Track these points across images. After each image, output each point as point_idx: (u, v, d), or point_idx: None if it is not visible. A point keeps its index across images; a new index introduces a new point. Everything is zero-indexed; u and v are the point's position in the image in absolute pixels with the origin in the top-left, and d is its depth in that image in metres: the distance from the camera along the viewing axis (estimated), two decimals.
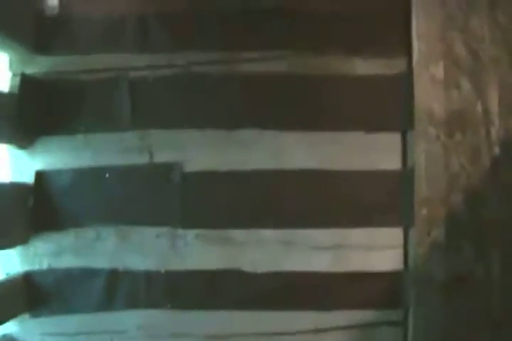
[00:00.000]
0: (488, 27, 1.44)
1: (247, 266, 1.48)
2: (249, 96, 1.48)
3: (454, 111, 1.42)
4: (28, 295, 1.52)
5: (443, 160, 1.42)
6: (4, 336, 1.52)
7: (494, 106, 1.41)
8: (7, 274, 1.51)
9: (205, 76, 1.48)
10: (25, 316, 1.52)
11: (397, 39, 1.46)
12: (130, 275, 1.50)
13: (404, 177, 1.45)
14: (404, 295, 1.46)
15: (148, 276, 1.50)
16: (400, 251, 1.47)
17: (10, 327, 1.51)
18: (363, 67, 1.47)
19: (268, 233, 1.48)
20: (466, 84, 1.43)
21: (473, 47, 1.43)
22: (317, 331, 1.48)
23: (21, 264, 1.53)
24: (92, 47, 1.51)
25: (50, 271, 1.52)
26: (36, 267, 1.53)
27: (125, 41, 1.50)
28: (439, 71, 1.43)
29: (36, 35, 1.52)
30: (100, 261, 1.51)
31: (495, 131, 1.41)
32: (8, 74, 1.53)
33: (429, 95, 1.43)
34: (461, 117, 1.42)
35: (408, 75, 1.44)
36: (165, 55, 1.49)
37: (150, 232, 1.50)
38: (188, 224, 1.48)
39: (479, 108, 1.42)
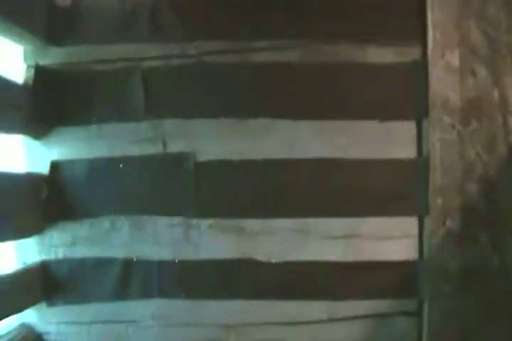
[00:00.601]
0: (505, 13, 1.41)
1: (261, 256, 1.49)
2: (262, 85, 1.47)
3: (470, 99, 1.40)
4: (45, 285, 1.54)
5: (458, 148, 1.40)
6: (22, 324, 1.54)
7: (511, 94, 1.40)
8: (24, 264, 1.54)
9: (217, 66, 1.48)
10: (43, 305, 1.55)
11: (411, 27, 1.44)
12: (144, 264, 1.51)
13: (419, 166, 1.43)
14: (419, 285, 1.45)
15: (162, 266, 1.51)
16: (414, 241, 1.46)
17: (28, 316, 1.54)
18: (377, 55, 1.45)
19: (281, 222, 1.48)
20: (482, 72, 1.41)
21: (489, 34, 1.41)
22: (331, 320, 1.48)
23: (38, 254, 1.55)
24: (104, 37, 1.51)
25: (66, 261, 1.54)
26: (52, 257, 1.55)
27: (138, 31, 1.50)
28: (454, 58, 1.41)
29: (49, 26, 1.53)
30: (115, 251, 1.53)
31: None
32: (23, 66, 1.54)
33: (444, 83, 1.41)
34: (477, 105, 1.40)
35: (423, 63, 1.43)
36: (177, 45, 1.49)
37: (164, 222, 1.51)
38: (202, 213, 1.49)
39: (496, 95, 1.40)
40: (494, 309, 1.39)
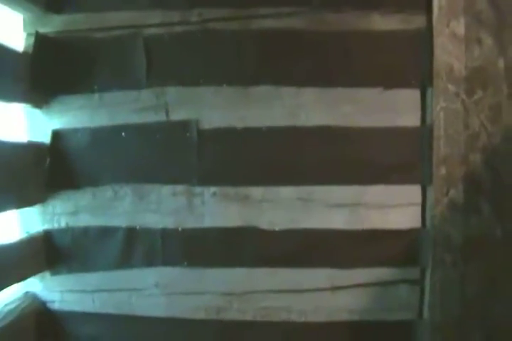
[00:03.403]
0: None
1: (265, 224, 1.49)
2: (266, 52, 1.45)
3: (475, 67, 1.39)
4: (48, 254, 1.55)
5: (462, 118, 1.39)
6: (26, 293, 1.56)
7: None
8: (27, 233, 1.54)
9: (220, 32, 1.45)
10: (46, 274, 1.56)
11: None
12: (147, 233, 1.52)
13: (422, 135, 1.43)
14: (421, 253, 1.45)
15: (165, 234, 1.51)
16: (417, 210, 1.45)
17: (32, 285, 1.55)
18: (381, 22, 1.43)
19: (285, 190, 1.47)
20: (487, 40, 1.38)
21: (495, 2, 1.38)
22: (334, 288, 1.48)
23: (41, 223, 1.55)
24: (105, 4, 1.49)
25: (69, 230, 1.55)
26: (55, 226, 1.55)
27: None
28: (459, 27, 1.39)
29: None
30: (117, 220, 1.53)
31: None
32: (23, 34, 1.52)
33: (448, 51, 1.39)
34: (482, 74, 1.38)
35: (428, 31, 1.41)
36: (179, 11, 1.46)
37: (167, 190, 1.51)
38: (205, 181, 1.49)
39: (501, 64, 1.38)
40: (496, 279, 1.39)
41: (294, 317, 1.52)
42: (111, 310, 1.55)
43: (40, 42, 1.49)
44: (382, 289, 1.48)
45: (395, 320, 1.49)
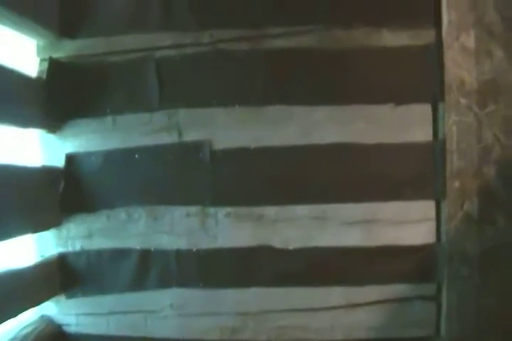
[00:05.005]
0: None
1: (279, 243, 1.48)
2: (278, 72, 1.46)
3: (486, 80, 1.39)
4: (63, 277, 1.56)
5: (475, 131, 1.39)
6: (42, 316, 1.56)
7: None
8: (42, 256, 1.55)
9: (232, 53, 1.47)
10: (61, 297, 1.56)
11: (426, 9, 1.43)
12: (162, 254, 1.51)
13: (435, 150, 1.42)
14: (437, 269, 1.44)
15: (180, 255, 1.51)
16: (432, 225, 1.44)
17: (47, 308, 1.55)
18: (391, 38, 1.44)
19: (299, 209, 1.47)
20: (498, 53, 1.38)
21: (505, 14, 1.39)
22: (350, 306, 1.47)
23: (55, 247, 1.56)
24: (117, 28, 1.51)
25: (83, 253, 1.55)
26: (69, 249, 1.56)
27: (150, 21, 1.50)
28: (470, 40, 1.39)
29: (62, 19, 1.53)
30: (132, 242, 1.53)
31: None
32: (36, 60, 1.54)
33: (459, 65, 1.39)
34: (494, 87, 1.38)
35: (437, 46, 1.41)
36: (191, 33, 1.48)
37: (180, 212, 1.51)
38: (219, 202, 1.49)
39: None
40: None
41: (310, 336, 1.50)
42: (126, 332, 1.55)
43: (54, 67, 1.52)
44: (399, 306, 1.47)
45: (411, 337, 1.47)
